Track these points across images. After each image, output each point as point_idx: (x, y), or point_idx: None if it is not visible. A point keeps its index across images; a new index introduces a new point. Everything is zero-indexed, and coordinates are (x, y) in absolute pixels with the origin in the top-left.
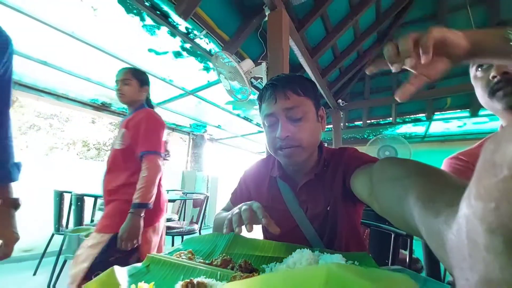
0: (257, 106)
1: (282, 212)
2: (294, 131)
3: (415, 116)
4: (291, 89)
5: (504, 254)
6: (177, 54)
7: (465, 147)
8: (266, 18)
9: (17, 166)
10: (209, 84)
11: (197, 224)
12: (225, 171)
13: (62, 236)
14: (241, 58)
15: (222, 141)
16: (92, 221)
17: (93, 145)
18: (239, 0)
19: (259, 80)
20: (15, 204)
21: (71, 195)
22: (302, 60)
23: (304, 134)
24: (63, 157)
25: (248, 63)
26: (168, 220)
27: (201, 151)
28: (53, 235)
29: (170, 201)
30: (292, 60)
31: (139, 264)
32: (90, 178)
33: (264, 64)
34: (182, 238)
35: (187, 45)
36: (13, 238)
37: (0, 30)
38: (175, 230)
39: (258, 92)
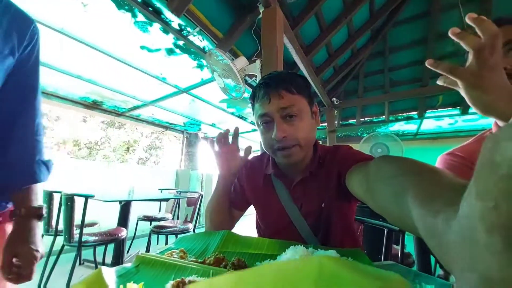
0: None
1: (276, 210)
2: (290, 131)
3: (407, 114)
4: (285, 88)
5: (503, 253)
6: (170, 52)
7: (456, 144)
8: (260, 16)
9: (46, 164)
10: (203, 82)
11: (191, 223)
12: None
13: (51, 237)
14: (235, 55)
15: None
16: (82, 221)
17: (84, 144)
18: None
19: (253, 78)
20: (38, 214)
21: (61, 195)
22: (296, 58)
23: (300, 132)
24: (53, 156)
25: (241, 61)
26: (162, 219)
27: (195, 150)
28: (42, 235)
29: (163, 200)
30: (286, 58)
31: (129, 264)
32: (81, 178)
33: (258, 62)
34: (176, 237)
35: (180, 42)
36: (31, 256)
37: (21, 12)
38: (169, 230)
39: (252, 90)
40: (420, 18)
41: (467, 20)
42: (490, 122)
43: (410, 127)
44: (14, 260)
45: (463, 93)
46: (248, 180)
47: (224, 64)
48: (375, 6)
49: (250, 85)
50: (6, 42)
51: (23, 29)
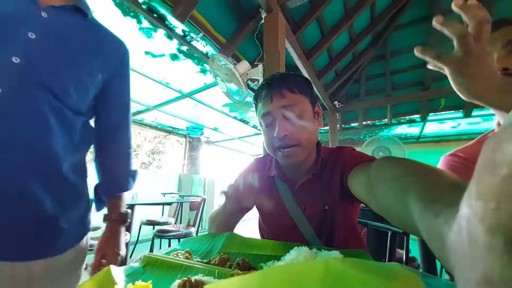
0: (254, 108)
1: (280, 212)
2: (292, 130)
3: (410, 117)
4: (287, 88)
5: (504, 254)
6: (174, 57)
7: (459, 147)
8: (263, 21)
9: (133, 174)
10: (206, 87)
11: (194, 227)
12: (222, 174)
13: None
14: (237, 60)
15: (219, 143)
16: None
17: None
18: (236, 2)
19: (255, 82)
20: (125, 219)
21: None
22: (298, 62)
23: (302, 132)
24: None
25: (244, 65)
26: (165, 223)
27: (197, 154)
28: None
29: (166, 204)
30: (288, 62)
31: (136, 264)
32: None
33: (260, 66)
34: (179, 241)
35: (184, 48)
36: (114, 259)
37: (111, 35)
38: (172, 234)
39: (255, 91)
40: (421, 22)
41: (453, 8)
42: (493, 125)
43: (413, 130)
44: (102, 260)
45: (449, 78)
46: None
47: (226, 68)
48: (376, 11)
49: (252, 90)
50: (95, 60)
51: (112, 50)
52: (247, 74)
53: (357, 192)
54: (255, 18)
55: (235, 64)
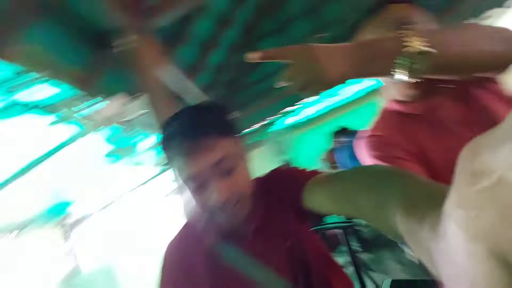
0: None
1: (238, 281)
2: (231, 186)
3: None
4: (211, 135)
5: (486, 261)
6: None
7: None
8: (129, 45)
9: None
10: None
11: None
12: None
13: None
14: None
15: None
16: None
17: None
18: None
19: (142, 116)
20: None
21: None
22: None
23: (242, 183)
24: None
25: (112, 106)
26: None
27: None
28: None
29: None
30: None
31: None
32: None
33: (142, 97)
34: None
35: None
36: None
37: None
38: None
39: (163, 138)
40: None
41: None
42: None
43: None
44: None
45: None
46: (181, 268)
47: (90, 116)
48: None
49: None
50: None
51: None
52: (122, 113)
53: (322, 205)
54: (117, 44)
55: (102, 105)
